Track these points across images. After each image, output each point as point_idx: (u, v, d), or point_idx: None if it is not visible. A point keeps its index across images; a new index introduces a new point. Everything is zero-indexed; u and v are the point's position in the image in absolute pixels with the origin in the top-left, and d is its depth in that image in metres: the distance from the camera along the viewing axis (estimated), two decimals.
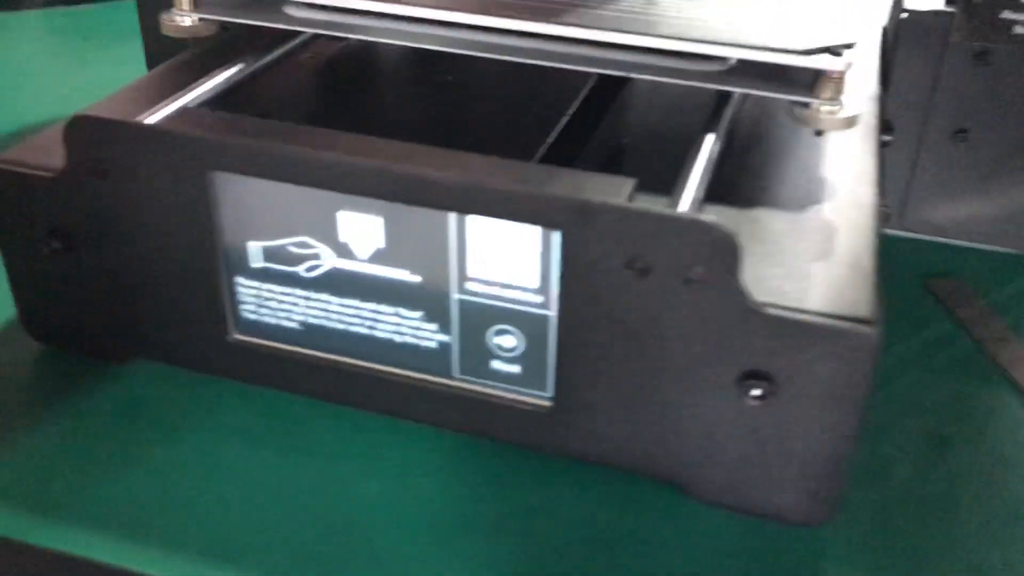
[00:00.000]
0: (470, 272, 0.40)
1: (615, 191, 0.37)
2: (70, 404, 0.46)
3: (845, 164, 0.47)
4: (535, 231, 0.38)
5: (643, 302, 0.37)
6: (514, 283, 0.39)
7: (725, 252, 0.35)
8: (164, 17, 0.51)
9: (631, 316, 0.38)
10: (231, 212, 0.42)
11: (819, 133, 0.47)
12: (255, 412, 0.46)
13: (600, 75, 0.51)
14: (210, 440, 0.44)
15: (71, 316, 0.47)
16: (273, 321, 0.44)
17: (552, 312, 0.40)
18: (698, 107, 0.48)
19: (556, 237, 0.37)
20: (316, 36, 0.55)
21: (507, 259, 0.39)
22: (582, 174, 0.38)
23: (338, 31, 0.49)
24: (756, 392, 0.37)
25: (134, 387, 0.47)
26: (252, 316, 0.45)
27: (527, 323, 0.40)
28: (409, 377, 0.43)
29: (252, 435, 0.45)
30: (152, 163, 0.41)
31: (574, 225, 0.36)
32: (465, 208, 0.38)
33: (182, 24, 0.50)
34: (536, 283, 0.39)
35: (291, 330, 0.44)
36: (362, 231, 0.40)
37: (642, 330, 0.38)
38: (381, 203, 0.39)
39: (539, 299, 0.39)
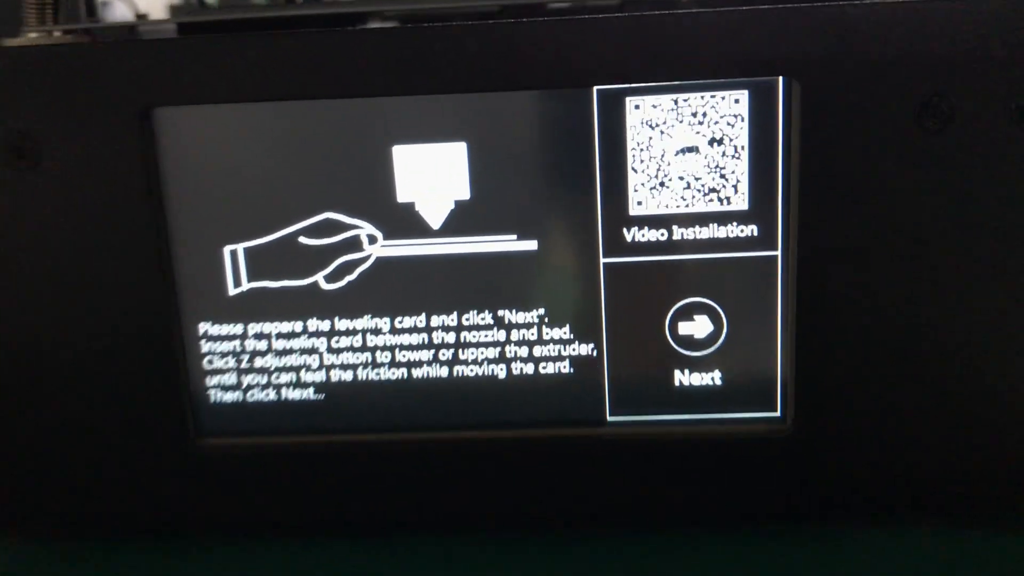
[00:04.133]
0: (632, 206, 0.24)
1: None
2: None
3: None
4: (739, 100, 0.23)
5: (947, 178, 0.22)
6: (706, 209, 0.24)
7: None
8: (9, 42, 0.35)
9: (925, 212, 0.22)
10: (191, 188, 0.24)
11: None
12: None
13: None
14: None
15: None
16: (269, 396, 0.25)
17: (778, 251, 0.24)
18: None
19: (782, 98, 0.22)
20: None
21: (694, 165, 0.23)
22: None
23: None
24: None
25: None
26: (230, 397, 0.25)
27: (733, 282, 0.24)
28: (526, 439, 0.25)
29: None
30: (29, 114, 0.23)
31: (826, 60, 0.22)
32: (630, 70, 0.22)
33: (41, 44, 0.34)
34: (744, 201, 0.23)
35: (304, 407, 0.25)
36: (434, 179, 0.24)
37: (942, 234, 0.23)
38: (467, 108, 0.23)
39: (750, 231, 0.24)
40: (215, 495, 0.25)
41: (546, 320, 0.24)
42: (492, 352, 0.25)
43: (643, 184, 0.23)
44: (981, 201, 0.22)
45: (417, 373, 0.25)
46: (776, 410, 0.25)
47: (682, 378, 0.25)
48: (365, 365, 0.25)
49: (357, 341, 0.25)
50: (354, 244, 0.24)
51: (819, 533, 0.25)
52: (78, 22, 0.36)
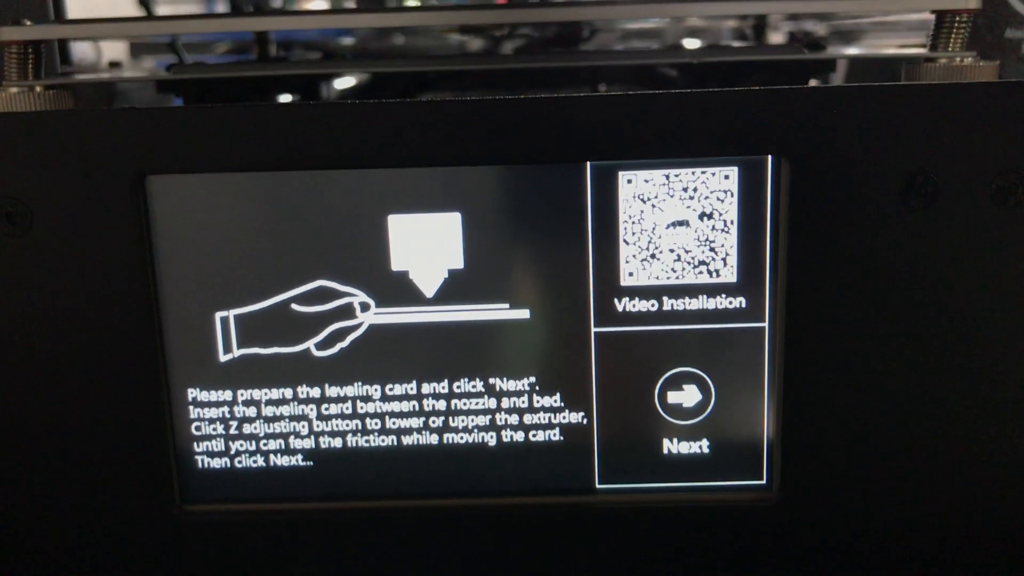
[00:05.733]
0: (624, 277, 0.24)
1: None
2: None
3: None
4: (728, 176, 0.23)
5: (931, 255, 0.23)
6: (696, 281, 0.24)
7: None
8: None
9: (909, 288, 0.23)
10: (183, 254, 0.24)
11: None
12: None
13: None
14: None
15: None
16: (257, 463, 0.25)
17: (765, 323, 0.24)
18: None
19: (771, 175, 0.23)
20: None
21: (684, 239, 0.24)
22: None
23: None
24: None
25: None
26: (217, 463, 0.25)
27: (721, 353, 0.24)
28: (516, 506, 0.25)
29: None
30: (29, 176, 0.23)
31: (814, 139, 0.22)
32: (623, 146, 0.23)
33: (23, 98, 0.34)
34: (733, 274, 0.24)
35: (292, 474, 0.25)
36: (428, 248, 0.24)
37: (925, 308, 0.23)
38: (463, 179, 0.23)
39: (739, 303, 0.24)
40: (202, 563, 0.25)
41: (537, 388, 0.25)
42: (483, 420, 0.25)
43: (634, 256, 0.24)
44: (963, 277, 0.23)
45: (407, 440, 0.25)
46: (762, 478, 0.25)
47: (671, 446, 0.25)
48: (355, 432, 0.25)
49: (347, 408, 0.25)
50: (347, 312, 0.24)
51: None
52: (54, 72, 0.35)
